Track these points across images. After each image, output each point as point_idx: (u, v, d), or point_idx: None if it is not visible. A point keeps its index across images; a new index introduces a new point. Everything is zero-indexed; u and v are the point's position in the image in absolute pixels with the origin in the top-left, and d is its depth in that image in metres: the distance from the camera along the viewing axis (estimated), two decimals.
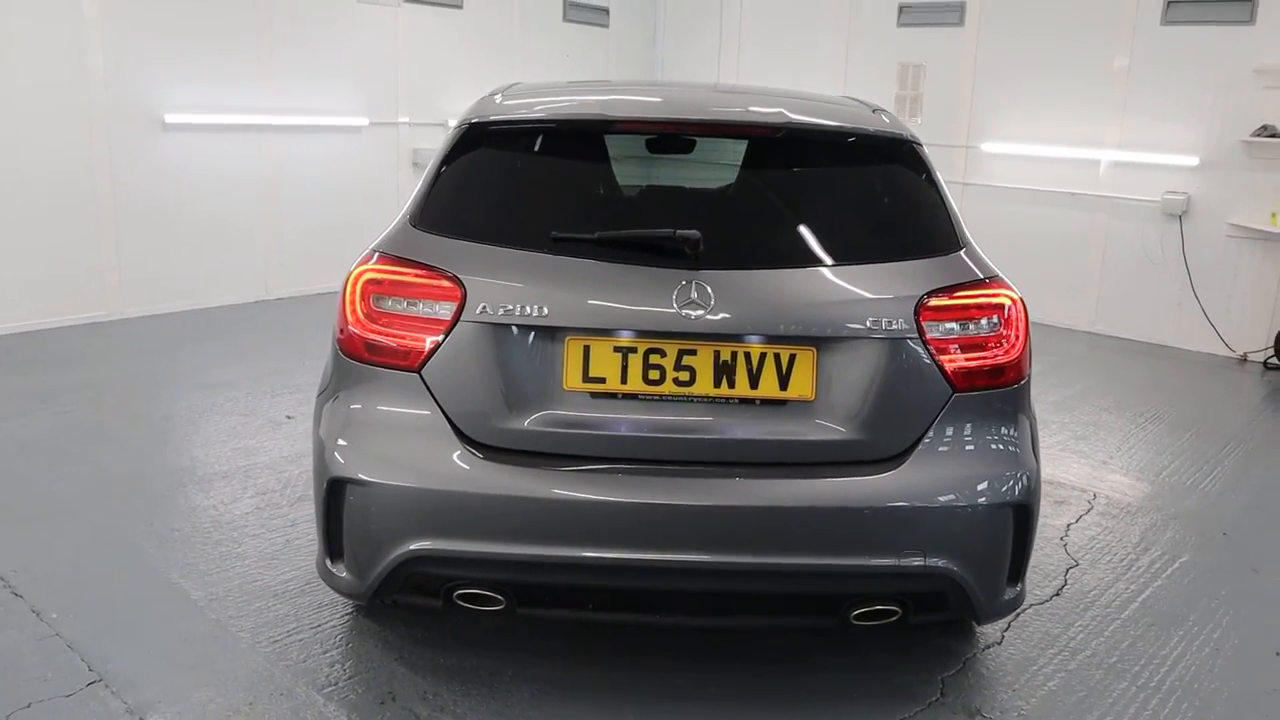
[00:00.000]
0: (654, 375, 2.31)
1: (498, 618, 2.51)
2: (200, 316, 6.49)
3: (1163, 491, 4.25)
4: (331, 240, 7.17)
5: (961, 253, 2.50)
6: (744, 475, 2.30)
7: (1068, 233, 7.25)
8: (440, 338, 2.30)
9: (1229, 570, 3.53)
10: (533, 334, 2.31)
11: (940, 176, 2.67)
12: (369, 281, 2.38)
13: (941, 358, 2.35)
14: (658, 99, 2.91)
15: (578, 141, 2.63)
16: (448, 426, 2.31)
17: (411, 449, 2.32)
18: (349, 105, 7.33)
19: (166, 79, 6.30)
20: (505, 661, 2.71)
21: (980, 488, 2.35)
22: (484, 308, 2.29)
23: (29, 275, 5.88)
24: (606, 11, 9.09)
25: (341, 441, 2.36)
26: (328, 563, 2.47)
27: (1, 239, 5.74)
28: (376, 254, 2.43)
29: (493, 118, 2.63)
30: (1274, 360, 6.38)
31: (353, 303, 2.38)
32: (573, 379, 2.31)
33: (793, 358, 2.31)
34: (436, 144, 7.59)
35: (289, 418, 4.59)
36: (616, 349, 2.30)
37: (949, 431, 2.37)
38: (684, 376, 2.31)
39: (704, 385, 2.32)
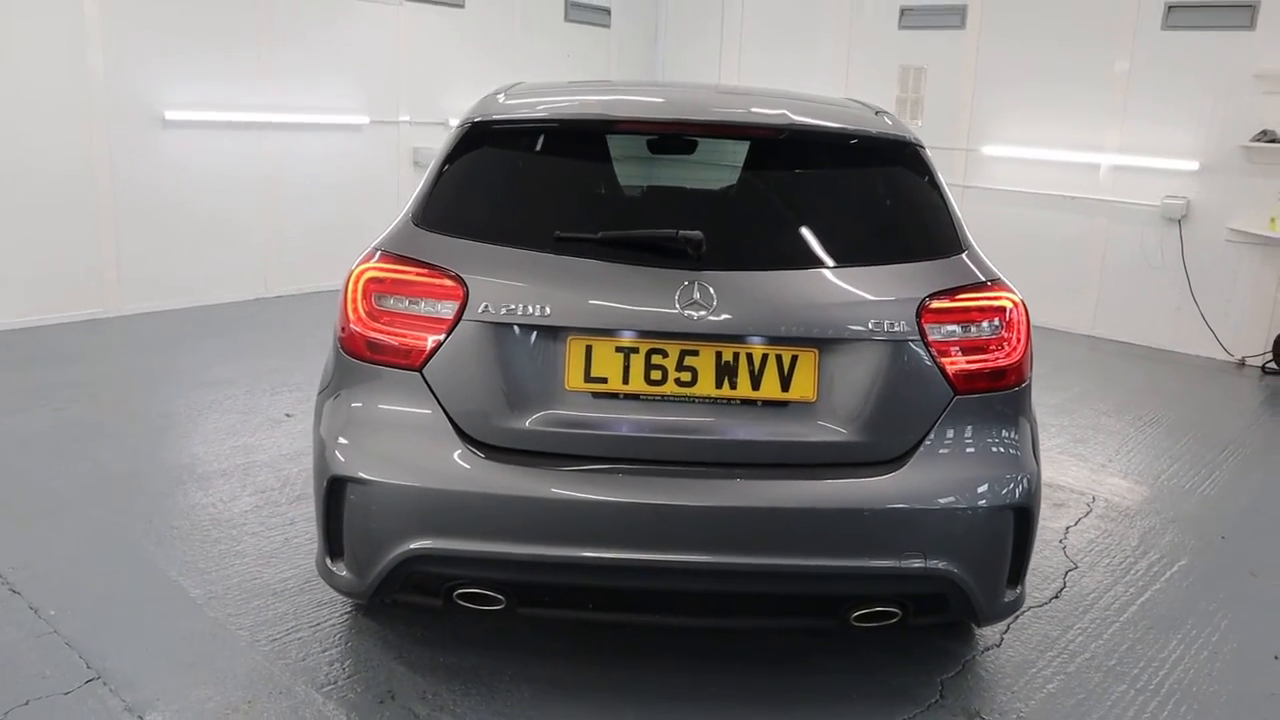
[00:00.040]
0: (656, 376, 2.31)
1: (498, 617, 2.50)
2: (200, 314, 6.48)
3: (1161, 495, 4.25)
4: (331, 239, 7.17)
5: (963, 255, 2.50)
6: (745, 476, 2.30)
7: (1067, 236, 7.26)
8: (442, 337, 2.30)
9: (1227, 574, 3.53)
10: (535, 334, 2.31)
11: (943, 179, 2.67)
12: (371, 280, 2.38)
13: (943, 360, 2.35)
14: (662, 99, 2.91)
15: (581, 141, 2.63)
16: (449, 426, 2.31)
17: (412, 448, 2.32)
18: (349, 103, 7.33)
19: (167, 76, 6.30)
20: (505, 661, 2.71)
21: (981, 490, 2.35)
22: (486, 307, 2.29)
23: (28, 271, 5.87)
24: (608, 12, 9.10)
25: (342, 440, 2.36)
26: (327, 561, 2.47)
27: (1, 235, 5.74)
28: (378, 252, 2.43)
29: (496, 117, 2.63)
30: (1272, 365, 6.39)
31: (354, 301, 2.38)
32: (574, 379, 2.31)
33: (795, 359, 2.32)
34: (437, 143, 7.58)
35: (288, 416, 4.58)
36: (618, 349, 2.30)
37: (950, 434, 2.37)
38: (686, 377, 2.31)
39: (706, 386, 2.31)
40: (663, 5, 9.55)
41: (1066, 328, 7.26)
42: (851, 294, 2.36)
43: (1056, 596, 3.28)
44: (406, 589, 2.41)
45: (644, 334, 2.29)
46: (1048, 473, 4.30)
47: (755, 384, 2.31)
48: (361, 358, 2.37)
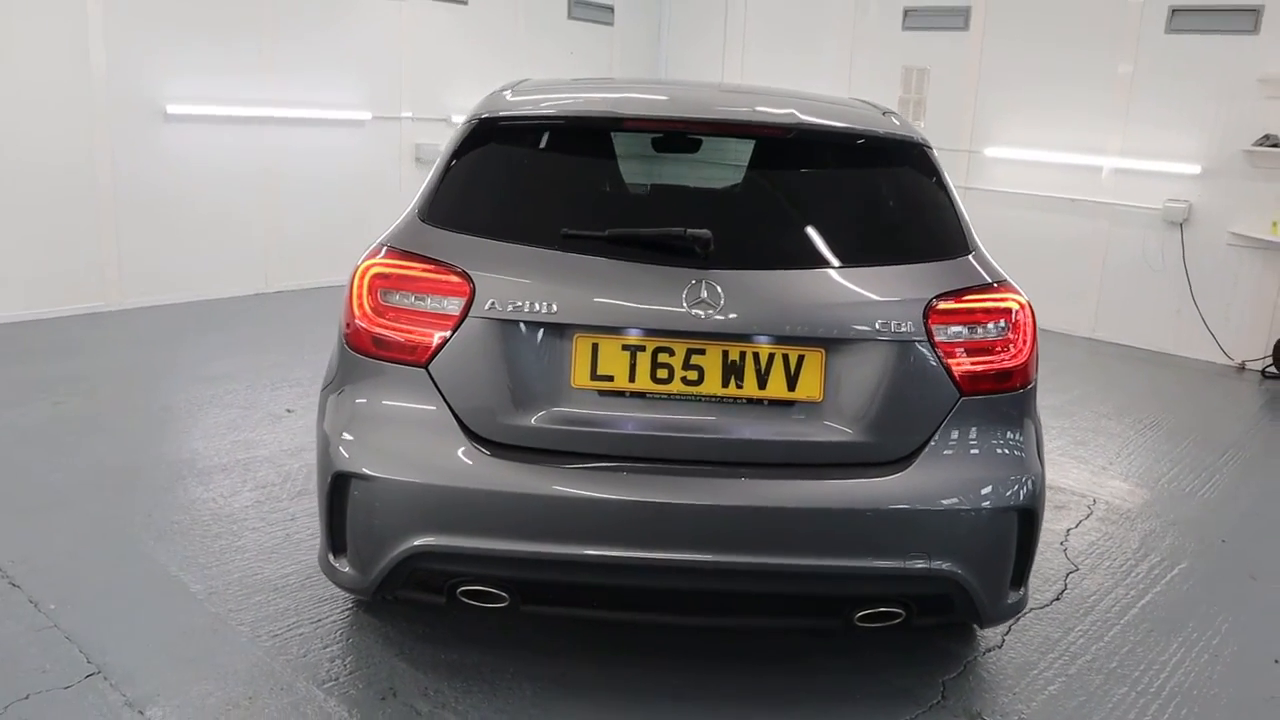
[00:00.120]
0: (662, 374, 2.30)
1: (501, 615, 2.50)
2: (200, 308, 6.47)
3: (1162, 498, 4.25)
4: (332, 234, 7.17)
5: (970, 256, 2.50)
6: (750, 475, 2.30)
7: (1069, 238, 7.26)
8: (448, 333, 2.30)
9: (1228, 577, 3.53)
10: (541, 331, 2.30)
11: (950, 180, 2.67)
12: (377, 276, 2.37)
13: (949, 361, 2.35)
14: (669, 98, 2.90)
15: (589, 139, 2.63)
16: (454, 422, 2.30)
17: (417, 444, 2.31)
18: (351, 99, 7.32)
19: (168, 70, 6.28)
20: (507, 659, 2.70)
21: (985, 491, 2.35)
22: (492, 304, 2.28)
23: (29, 265, 5.85)
24: (611, 10, 9.09)
25: (347, 436, 2.36)
26: (330, 557, 2.46)
27: (2, 229, 5.72)
28: (385, 248, 2.42)
29: (503, 113, 2.62)
30: (1272, 369, 6.39)
31: (360, 297, 2.37)
32: (580, 377, 2.31)
33: (801, 359, 2.31)
34: (439, 140, 7.54)
35: (289, 411, 4.58)
36: (625, 347, 2.30)
37: (955, 435, 2.37)
38: (692, 376, 2.31)
39: (712, 385, 2.31)
40: (666, 4, 9.55)
41: (1067, 330, 7.26)
42: (858, 294, 2.36)
43: (1058, 598, 3.28)
44: (409, 586, 2.41)
45: (651, 332, 2.29)
46: (1048, 475, 4.28)
47: (762, 383, 2.31)
48: (367, 353, 2.37)
